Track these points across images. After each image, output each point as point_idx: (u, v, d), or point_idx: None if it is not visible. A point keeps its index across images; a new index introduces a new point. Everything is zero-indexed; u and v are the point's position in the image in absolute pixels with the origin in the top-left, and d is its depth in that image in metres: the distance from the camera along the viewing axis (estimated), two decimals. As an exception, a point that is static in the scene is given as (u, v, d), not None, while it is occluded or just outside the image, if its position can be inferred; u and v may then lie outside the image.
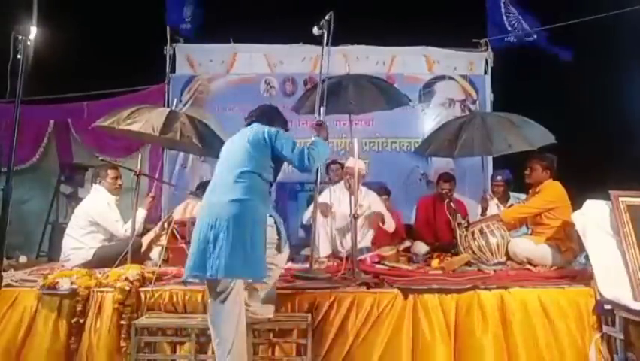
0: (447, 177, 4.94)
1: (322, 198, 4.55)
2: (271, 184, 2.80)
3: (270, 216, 2.71)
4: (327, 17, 3.62)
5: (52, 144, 6.22)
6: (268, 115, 2.95)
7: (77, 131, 6.17)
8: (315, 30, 3.62)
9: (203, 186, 4.79)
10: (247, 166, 2.64)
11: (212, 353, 2.92)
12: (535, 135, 4.27)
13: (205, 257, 2.48)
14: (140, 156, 4.10)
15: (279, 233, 2.76)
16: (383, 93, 4.61)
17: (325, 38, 3.55)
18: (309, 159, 2.70)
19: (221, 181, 2.69)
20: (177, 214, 4.42)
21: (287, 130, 2.97)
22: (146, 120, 3.88)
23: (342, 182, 4.66)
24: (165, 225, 4.16)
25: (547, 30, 6.07)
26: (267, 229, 2.63)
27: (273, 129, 2.77)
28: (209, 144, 4.12)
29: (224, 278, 2.48)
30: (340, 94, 4.39)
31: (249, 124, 2.90)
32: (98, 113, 5.90)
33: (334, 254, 4.41)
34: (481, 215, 4.52)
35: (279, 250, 2.81)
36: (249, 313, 2.73)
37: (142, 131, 3.86)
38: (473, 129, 4.42)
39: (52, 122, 6.21)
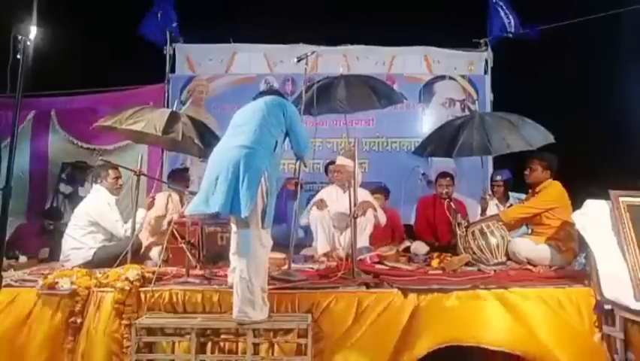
0: (444, 174, 4.95)
1: (319, 196, 4.58)
2: (276, 143, 2.96)
3: (266, 174, 2.80)
4: (309, 54, 3.87)
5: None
6: (280, 94, 3.27)
7: (61, 121, 6.12)
8: (294, 61, 3.91)
9: (174, 175, 4.81)
10: (258, 120, 2.91)
11: (212, 352, 2.94)
12: (534, 135, 4.27)
13: (208, 195, 2.76)
14: (140, 156, 4.10)
15: (266, 196, 2.79)
16: (375, 92, 4.64)
17: (305, 72, 3.86)
18: (309, 148, 3.15)
19: (231, 132, 2.99)
20: (160, 209, 4.39)
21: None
22: (149, 120, 3.90)
23: (333, 185, 4.70)
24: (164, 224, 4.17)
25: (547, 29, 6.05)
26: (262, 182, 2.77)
27: (289, 106, 3.08)
28: (210, 145, 4.12)
29: (220, 213, 2.76)
30: (331, 94, 4.43)
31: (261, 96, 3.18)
32: (93, 107, 5.97)
33: (332, 252, 4.40)
34: (481, 215, 4.53)
35: (262, 219, 2.80)
36: (243, 317, 2.80)
37: (144, 131, 3.87)
38: (472, 129, 4.43)
39: (32, 112, 6.05)
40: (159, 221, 4.33)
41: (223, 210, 2.74)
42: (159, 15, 6.18)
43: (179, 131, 3.93)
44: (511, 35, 6.15)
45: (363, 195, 4.64)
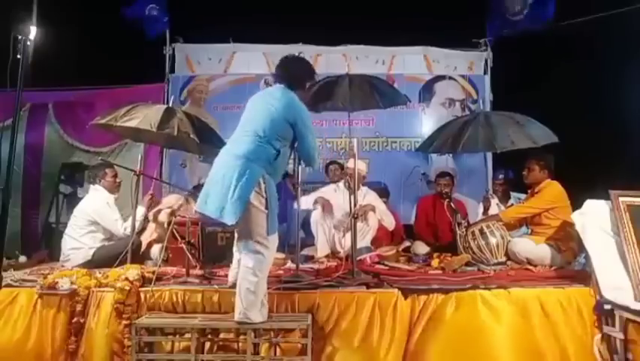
0: (443, 174, 4.96)
1: (322, 193, 4.55)
2: (279, 152, 2.88)
3: (264, 181, 2.77)
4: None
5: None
6: (298, 77, 3.06)
7: (57, 114, 6.06)
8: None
9: (199, 189, 4.79)
10: (262, 126, 2.84)
11: (212, 352, 2.94)
12: (539, 134, 4.27)
13: (207, 195, 2.82)
14: (139, 155, 4.09)
15: (266, 202, 2.78)
16: (377, 92, 4.63)
17: None
18: (314, 159, 3.01)
19: (234, 137, 2.95)
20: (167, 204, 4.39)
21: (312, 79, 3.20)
22: (144, 117, 3.85)
23: (342, 182, 4.66)
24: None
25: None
26: (256, 195, 2.74)
27: (299, 114, 2.91)
28: (207, 140, 4.08)
29: (213, 217, 2.78)
30: (335, 93, 4.43)
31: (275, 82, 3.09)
32: (91, 102, 5.94)
33: (333, 254, 4.40)
34: (484, 215, 4.53)
35: (266, 227, 2.78)
36: (244, 319, 2.79)
37: (140, 127, 3.84)
38: (477, 126, 4.42)
39: (28, 104, 5.91)
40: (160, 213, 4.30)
41: (214, 215, 2.79)
42: (148, 9, 6.11)
43: (175, 126, 3.86)
44: (512, 19, 6.04)
45: (372, 198, 4.62)
